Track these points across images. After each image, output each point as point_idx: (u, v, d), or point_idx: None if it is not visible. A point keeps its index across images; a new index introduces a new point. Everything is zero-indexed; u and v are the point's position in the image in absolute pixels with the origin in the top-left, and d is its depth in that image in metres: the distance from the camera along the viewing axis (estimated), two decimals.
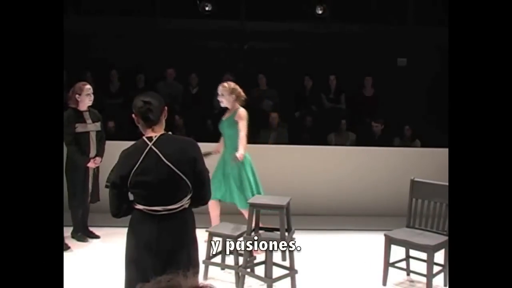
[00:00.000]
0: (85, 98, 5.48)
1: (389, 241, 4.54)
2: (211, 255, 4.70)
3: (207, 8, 8.79)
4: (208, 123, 8.13)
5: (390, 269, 4.62)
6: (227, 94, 5.37)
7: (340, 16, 9.40)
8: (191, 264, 3.03)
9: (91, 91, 5.53)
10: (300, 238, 5.11)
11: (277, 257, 4.58)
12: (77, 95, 5.45)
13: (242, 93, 5.38)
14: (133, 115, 3.03)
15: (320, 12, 9.01)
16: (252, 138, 7.89)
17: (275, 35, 9.36)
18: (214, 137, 7.70)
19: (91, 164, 5.52)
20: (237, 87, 5.40)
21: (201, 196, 3.04)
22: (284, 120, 8.25)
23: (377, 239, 5.00)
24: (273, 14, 9.21)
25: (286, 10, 9.20)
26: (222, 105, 5.47)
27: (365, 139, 7.67)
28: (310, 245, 5.62)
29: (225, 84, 5.44)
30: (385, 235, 4.57)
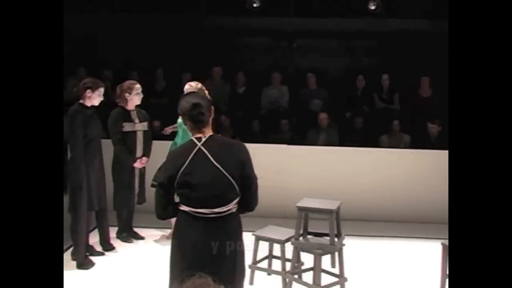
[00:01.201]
0: (135, 97, 5.59)
1: (447, 251, 4.43)
2: (257, 259, 4.72)
3: (254, 5, 8.83)
4: (254, 123, 8.16)
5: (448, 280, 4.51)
6: None
7: (394, 12, 9.23)
8: (237, 268, 3.05)
9: (140, 90, 5.64)
10: (350, 244, 5.07)
11: (326, 263, 4.55)
12: (126, 94, 5.56)
13: (207, 95, 5.30)
14: (180, 116, 3.07)
15: (373, 7, 8.88)
16: (300, 139, 7.90)
17: (325, 33, 9.29)
18: (261, 138, 7.77)
19: (137, 164, 5.64)
20: (203, 88, 5.45)
21: (248, 201, 3.06)
22: (334, 120, 8.18)
23: (433, 247, 4.89)
24: (323, 11, 9.14)
25: (337, 6, 9.12)
26: None
27: (420, 141, 7.52)
28: (361, 252, 5.56)
29: (192, 83, 5.51)
30: (442, 244, 4.46)
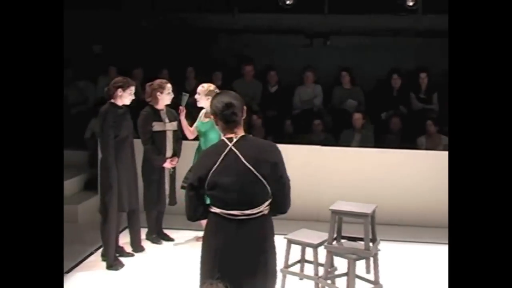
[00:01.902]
0: (166, 97, 5.64)
1: None
2: (289, 263, 4.69)
3: (287, 2, 8.79)
4: (287, 123, 8.13)
5: None
6: (203, 95, 5.53)
7: (433, 8, 9.06)
8: (269, 271, 3.03)
9: (171, 89, 5.68)
10: (386, 249, 5.00)
11: (360, 268, 4.50)
12: (158, 93, 5.61)
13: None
14: (212, 116, 3.07)
15: (411, 3, 8.73)
16: (334, 140, 7.83)
17: (360, 30, 9.18)
18: (293, 139, 7.73)
19: (167, 164, 5.68)
20: (215, 90, 5.42)
21: (281, 203, 3.03)
22: (369, 121, 8.09)
23: None
24: (358, 7, 9.03)
25: (373, 3, 9.00)
26: (199, 104, 5.65)
27: None
28: (397, 257, 5.48)
29: (204, 85, 5.63)
30: None
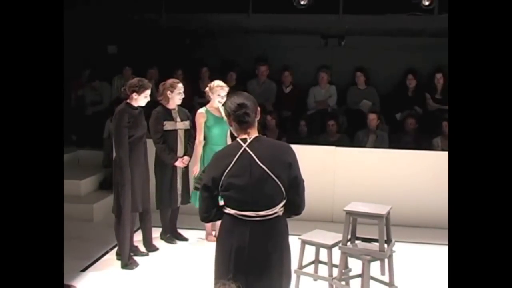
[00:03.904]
0: (176, 96, 5.65)
1: None
2: (303, 264, 4.68)
3: (302, 2, 8.77)
4: (301, 124, 8.11)
5: None
6: (209, 90, 5.78)
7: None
8: (283, 272, 3.03)
9: (182, 89, 5.70)
10: (401, 251, 4.97)
11: (375, 270, 4.47)
12: (168, 92, 5.63)
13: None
14: (226, 117, 3.07)
15: (426, 3, 8.65)
16: (348, 141, 7.80)
17: (375, 30, 9.13)
18: (308, 139, 7.71)
19: (179, 163, 5.69)
20: (220, 86, 5.73)
21: (295, 204, 3.01)
22: (384, 121, 8.05)
23: None
24: (373, 7, 8.99)
25: (388, 2, 8.94)
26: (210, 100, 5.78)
27: None
28: (412, 259, 5.44)
29: (213, 82, 5.83)
30: None
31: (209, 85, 5.79)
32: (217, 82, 5.75)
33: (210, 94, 5.73)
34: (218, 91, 5.64)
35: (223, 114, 5.10)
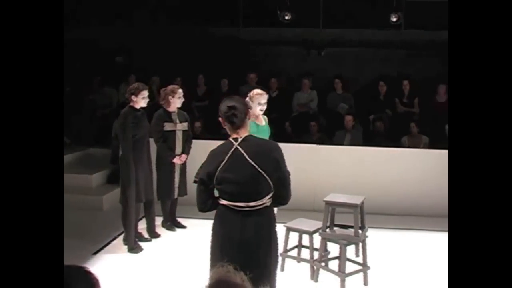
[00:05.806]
0: (176, 101, 5.63)
1: None
2: (288, 248, 4.69)
3: (286, 17, 8.78)
4: (286, 125, 8.11)
5: None
6: (249, 99, 4.76)
7: (414, 24, 9.07)
8: (271, 256, 3.03)
9: (182, 94, 5.68)
10: (373, 235, 4.99)
11: (350, 252, 4.49)
12: (170, 97, 5.61)
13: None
14: (220, 118, 3.07)
15: (394, 19, 8.73)
16: (328, 140, 7.82)
17: (351, 42, 9.19)
18: (293, 138, 7.72)
19: (176, 160, 5.68)
20: (259, 94, 4.80)
21: (282, 196, 3.02)
22: (359, 122, 8.07)
23: (444, 239, 4.76)
24: (349, 22, 9.06)
25: (362, 18, 9.02)
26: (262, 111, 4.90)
27: (438, 142, 7.34)
28: (383, 242, 5.47)
29: (254, 90, 4.93)
30: None
31: (249, 94, 4.84)
32: (257, 90, 4.82)
33: (250, 103, 4.65)
34: (258, 99, 4.72)
35: (264, 122, 4.85)
